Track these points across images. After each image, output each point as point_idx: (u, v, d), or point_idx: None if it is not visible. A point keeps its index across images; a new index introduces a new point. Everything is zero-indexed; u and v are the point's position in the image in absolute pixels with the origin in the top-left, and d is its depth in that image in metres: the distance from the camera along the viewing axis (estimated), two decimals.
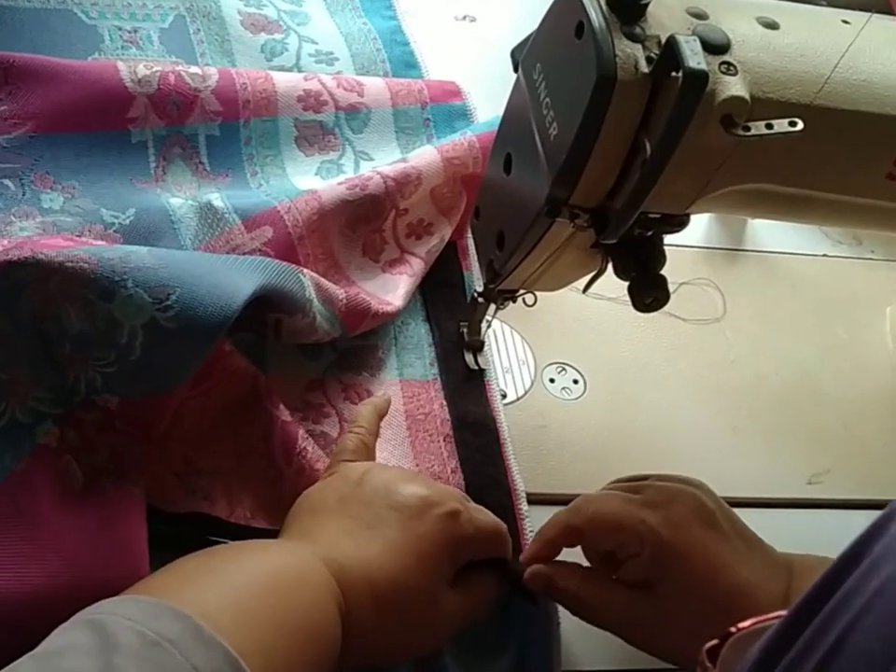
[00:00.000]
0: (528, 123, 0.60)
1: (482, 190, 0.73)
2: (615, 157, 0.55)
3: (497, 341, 0.84)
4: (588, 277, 0.67)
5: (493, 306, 0.75)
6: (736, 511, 0.78)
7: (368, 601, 0.57)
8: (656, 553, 0.62)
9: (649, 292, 0.61)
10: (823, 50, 0.57)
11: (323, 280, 0.72)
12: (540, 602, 0.67)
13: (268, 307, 0.67)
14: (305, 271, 0.70)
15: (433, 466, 0.73)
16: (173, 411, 0.63)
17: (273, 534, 0.66)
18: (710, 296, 0.93)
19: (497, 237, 0.67)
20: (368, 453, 0.68)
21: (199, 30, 0.92)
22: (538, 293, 0.74)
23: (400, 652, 0.61)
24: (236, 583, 0.51)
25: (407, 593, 0.58)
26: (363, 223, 0.80)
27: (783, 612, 0.49)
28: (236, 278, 0.63)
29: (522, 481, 0.74)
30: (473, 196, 0.77)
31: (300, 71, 0.93)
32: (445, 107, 0.92)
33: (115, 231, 0.73)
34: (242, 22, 0.95)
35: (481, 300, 0.75)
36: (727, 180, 0.58)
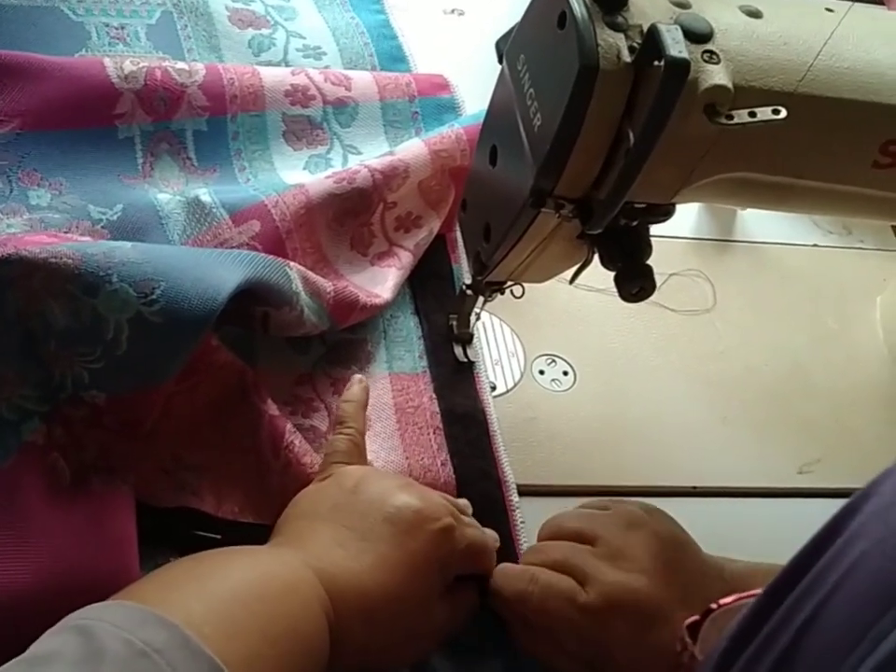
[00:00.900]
0: (513, 115, 0.60)
1: (468, 183, 0.73)
2: (599, 147, 0.55)
3: (486, 333, 0.84)
4: (575, 268, 0.68)
5: (481, 298, 0.75)
6: (727, 500, 0.79)
7: (358, 612, 0.57)
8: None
9: (635, 282, 0.61)
10: (806, 39, 0.57)
11: (310, 273, 0.72)
12: None
13: (255, 300, 0.67)
14: (292, 264, 0.70)
15: (423, 458, 0.73)
16: (160, 406, 0.63)
17: (260, 528, 0.66)
18: (700, 287, 0.93)
19: (483, 229, 0.67)
20: (359, 453, 0.68)
21: (186, 26, 0.92)
22: (526, 285, 0.74)
23: (390, 661, 0.61)
24: (222, 591, 0.51)
25: (398, 605, 0.59)
26: (351, 217, 0.80)
27: (757, 591, 0.50)
28: (221, 271, 0.62)
29: (512, 472, 0.74)
30: (461, 188, 0.77)
31: (287, 66, 0.92)
32: (433, 101, 0.91)
33: (102, 227, 0.73)
34: (229, 18, 0.94)
35: (469, 292, 0.75)
36: (711, 169, 0.58)
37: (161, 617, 0.46)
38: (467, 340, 0.80)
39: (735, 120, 0.53)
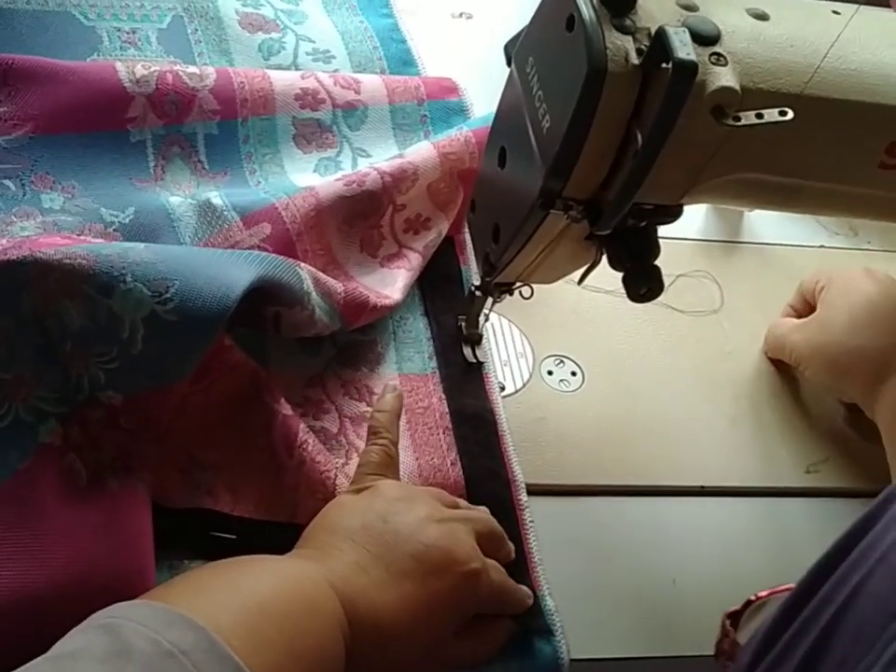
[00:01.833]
0: (521, 117, 0.61)
1: (477, 184, 0.73)
2: (607, 148, 0.56)
3: (495, 334, 0.84)
4: (583, 269, 0.68)
5: (490, 299, 0.76)
6: (735, 500, 0.79)
7: (372, 642, 0.57)
8: None
9: (643, 283, 0.62)
10: (813, 41, 0.58)
11: (321, 274, 0.72)
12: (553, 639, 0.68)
13: (266, 300, 0.68)
14: (303, 264, 0.70)
15: (433, 459, 0.74)
16: (175, 407, 0.64)
17: (275, 527, 0.67)
18: (708, 288, 0.93)
19: (492, 230, 0.67)
20: (393, 465, 0.69)
21: (196, 30, 0.93)
22: (534, 286, 0.75)
23: None
24: (250, 603, 0.51)
25: (412, 641, 0.59)
26: (361, 219, 0.80)
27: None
28: (234, 270, 0.63)
29: (521, 472, 0.74)
30: (470, 191, 0.78)
31: (297, 69, 0.93)
32: (442, 104, 0.92)
33: (115, 230, 0.74)
34: (239, 22, 0.95)
35: (478, 293, 0.75)
36: (719, 170, 0.58)
37: (189, 619, 0.46)
38: (476, 341, 0.80)
39: (743, 122, 0.53)
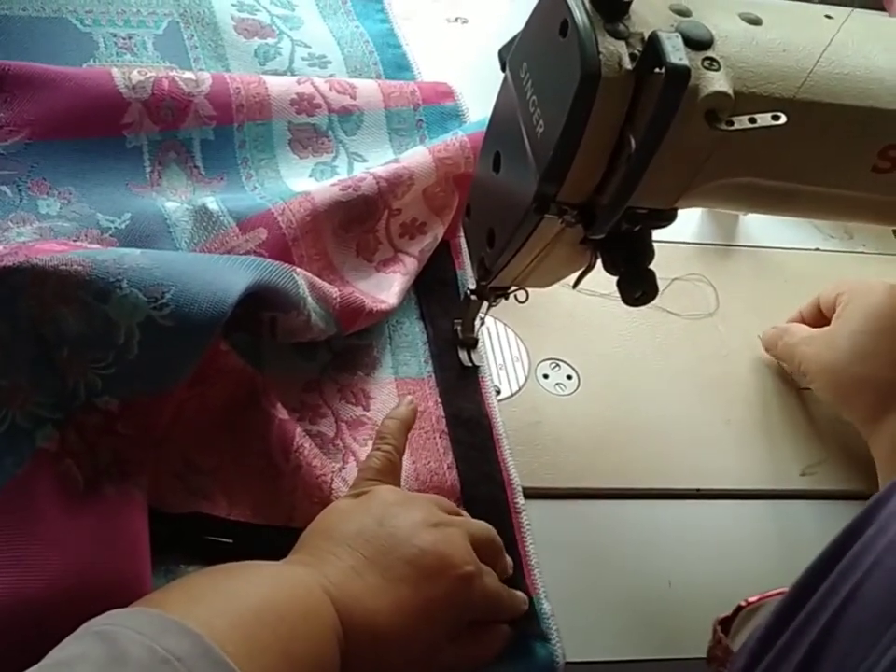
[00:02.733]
0: (516, 122, 0.61)
1: (472, 189, 0.73)
2: (601, 153, 0.56)
3: (490, 338, 0.84)
4: (578, 273, 0.68)
5: (486, 303, 0.76)
6: (730, 503, 0.79)
7: (367, 648, 0.57)
8: None
9: (637, 286, 0.62)
10: (806, 45, 0.58)
11: (316, 279, 0.73)
12: (549, 642, 0.68)
13: (262, 305, 0.68)
14: (298, 270, 0.70)
15: (429, 462, 0.74)
16: (172, 412, 0.64)
17: (272, 531, 0.67)
18: (703, 291, 0.93)
19: (487, 235, 0.67)
20: (394, 472, 0.69)
21: (192, 35, 0.93)
22: (529, 290, 0.75)
23: None
24: (244, 608, 0.51)
25: (407, 646, 0.59)
26: (357, 224, 0.81)
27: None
28: (229, 275, 0.63)
29: (518, 475, 0.75)
30: (465, 195, 0.78)
31: (293, 75, 0.93)
32: (437, 108, 0.92)
33: (111, 236, 0.74)
34: (235, 28, 0.95)
35: (473, 297, 0.75)
36: (712, 175, 0.59)
37: (184, 625, 0.47)
38: (471, 344, 0.81)
39: (736, 126, 0.54)
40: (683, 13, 0.57)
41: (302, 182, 0.84)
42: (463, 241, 0.86)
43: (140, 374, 0.60)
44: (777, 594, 0.63)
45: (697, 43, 0.55)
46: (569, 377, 0.84)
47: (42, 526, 0.56)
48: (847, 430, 0.83)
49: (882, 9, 0.93)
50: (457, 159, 0.84)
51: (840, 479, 0.83)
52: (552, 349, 0.85)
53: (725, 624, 0.64)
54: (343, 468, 0.72)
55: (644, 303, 0.62)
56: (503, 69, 0.64)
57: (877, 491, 0.52)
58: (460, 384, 0.79)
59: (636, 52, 0.53)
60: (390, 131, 0.90)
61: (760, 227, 1.01)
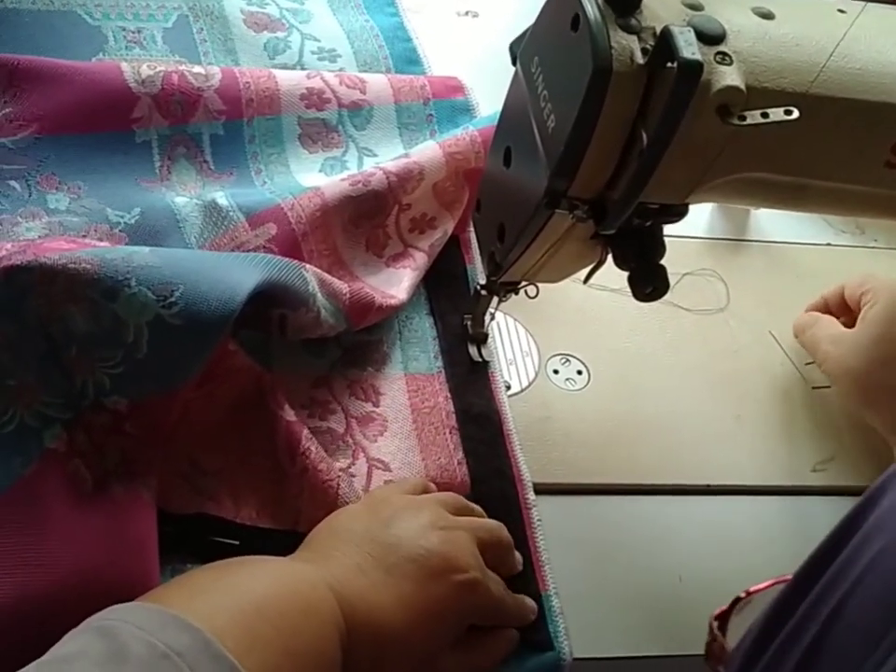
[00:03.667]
0: (527, 116, 0.61)
1: (483, 184, 0.73)
2: (612, 148, 0.56)
3: (500, 333, 0.84)
4: (589, 268, 0.68)
5: (496, 298, 0.76)
6: (740, 499, 0.79)
7: (368, 646, 0.57)
8: None
9: (648, 282, 0.62)
10: (819, 39, 0.58)
11: (326, 275, 0.72)
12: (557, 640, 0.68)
13: (272, 303, 0.68)
14: (308, 266, 0.70)
15: (439, 458, 0.74)
16: (179, 412, 0.64)
17: (278, 533, 0.67)
18: (714, 286, 0.93)
19: (497, 230, 0.67)
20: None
21: (202, 29, 0.93)
22: (540, 285, 0.74)
23: None
24: (245, 603, 0.51)
25: (407, 648, 0.59)
26: (366, 219, 0.80)
27: (787, 577, 0.51)
28: (238, 274, 0.63)
29: (528, 471, 0.74)
30: (475, 190, 0.78)
31: (302, 69, 0.93)
32: (448, 103, 0.92)
33: (120, 231, 0.74)
34: (244, 21, 0.95)
35: (484, 292, 0.75)
36: (724, 170, 0.58)
37: (184, 620, 0.47)
38: (481, 340, 0.80)
39: (748, 121, 0.53)
40: (695, 7, 0.56)
41: (312, 177, 0.84)
42: (473, 236, 0.86)
43: (149, 373, 0.60)
44: (773, 583, 0.62)
45: (710, 37, 0.54)
46: (580, 372, 0.84)
47: (50, 526, 0.56)
48: (859, 426, 0.83)
49: (894, 4, 0.92)
50: (467, 153, 0.83)
51: (852, 474, 0.82)
52: (562, 344, 0.85)
53: (722, 620, 0.64)
54: (353, 464, 0.72)
55: (655, 299, 0.62)
56: (514, 63, 0.64)
57: None
58: (470, 379, 0.79)
59: (648, 47, 0.53)
60: (400, 125, 0.90)
61: (771, 222, 1.00)
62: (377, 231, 0.82)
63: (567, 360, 0.84)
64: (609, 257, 0.64)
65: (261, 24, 0.96)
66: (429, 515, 0.64)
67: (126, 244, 0.73)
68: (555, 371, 0.83)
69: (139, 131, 0.80)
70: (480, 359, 0.80)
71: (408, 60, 0.99)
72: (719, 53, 0.54)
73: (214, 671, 0.45)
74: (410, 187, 0.81)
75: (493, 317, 0.79)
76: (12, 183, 0.74)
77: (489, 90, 0.90)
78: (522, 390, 0.81)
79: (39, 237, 0.71)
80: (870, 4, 0.60)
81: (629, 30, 0.53)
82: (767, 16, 0.58)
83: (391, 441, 0.74)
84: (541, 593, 0.69)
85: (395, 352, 0.80)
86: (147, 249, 0.62)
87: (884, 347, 0.77)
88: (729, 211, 1.00)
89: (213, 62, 0.91)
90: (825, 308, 0.87)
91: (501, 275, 0.70)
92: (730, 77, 0.54)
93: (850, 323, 0.82)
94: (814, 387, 0.87)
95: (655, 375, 0.85)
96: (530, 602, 0.68)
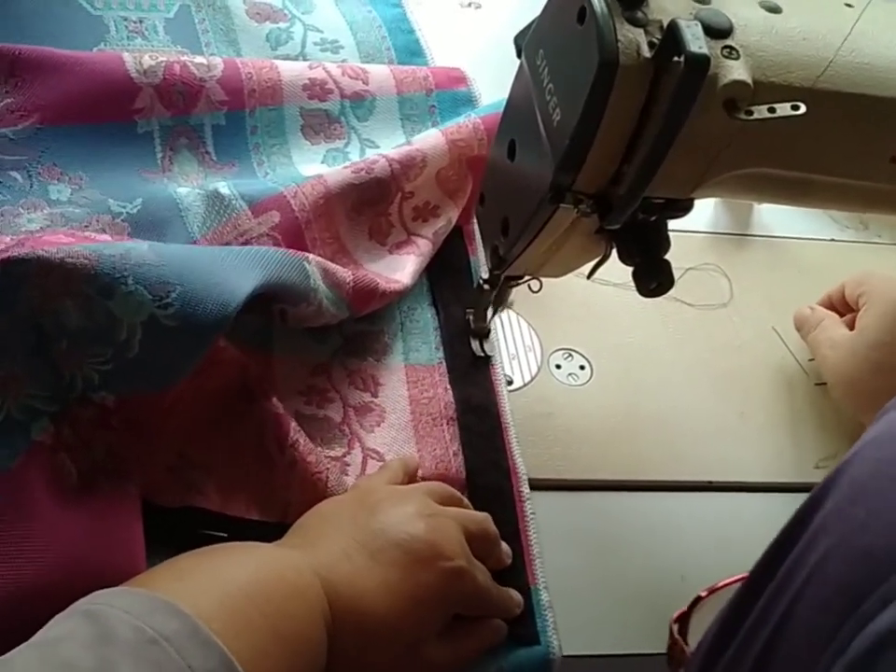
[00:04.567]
0: (531, 109, 0.60)
1: (486, 177, 0.73)
2: (618, 142, 0.55)
3: (503, 327, 0.84)
4: (593, 263, 0.68)
5: (504, 296, 0.75)
6: (743, 495, 0.79)
7: (353, 632, 0.57)
8: None
9: (653, 277, 0.61)
10: (826, 34, 0.57)
11: (330, 264, 0.72)
12: (545, 635, 0.67)
13: (272, 299, 0.68)
14: (311, 257, 0.70)
15: (435, 449, 0.74)
16: (167, 407, 0.63)
17: (266, 526, 0.67)
18: (717, 281, 0.93)
19: (501, 223, 0.67)
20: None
21: (204, 20, 0.93)
22: (543, 279, 0.74)
23: None
24: (231, 587, 0.51)
25: (392, 634, 0.58)
26: (369, 206, 0.80)
27: (743, 575, 0.51)
28: (237, 275, 0.63)
29: (527, 466, 0.74)
30: (479, 178, 0.77)
31: (305, 59, 0.93)
32: (450, 94, 0.91)
33: (122, 221, 0.74)
34: (247, 12, 0.95)
35: (486, 286, 0.75)
36: (730, 164, 0.58)
37: (172, 605, 0.47)
38: (484, 334, 0.80)
39: (755, 116, 0.53)
40: (702, 1, 0.56)
41: (314, 168, 0.83)
42: (476, 227, 0.85)
43: (138, 373, 0.59)
44: (729, 583, 0.62)
45: (717, 31, 0.54)
46: (582, 367, 0.83)
47: (36, 520, 0.56)
48: (862, 423, 0.82)
49: None
50: (470, 141, 0.83)
51: None
52: (565, 339, 0.85)
53: (682, 621, 0.64)
54: (348, 453, 0.72)
55: (660, 294, 0.62)
56: (519, 56, 0.64)
57: None
58: (470, 371, 0.79)
59: (654, 40, 0.52)
60: (402, 116, 0.89)
61: (775, 217, 1.00)
62: (380, 220, 0.82)
63: (570, 355, 0.84)
64: (614, 251, 0.64)
65: (263, 15, 0.95)
66: (416, 504, 0.64)
67: (128, 233, 0.73)
68: (558, 367, 0.83)
69: (141, 121, 0.79)
70: (482, 354, 0.79)
71: (411, 51, 0.99)
72: (726, 47, 0.54)
73: (202, 657, 0.45)
74: (412, 174, 0.81)
75: (496, 312, 0.79)
76: (13, 174, 0.74)
77: (492, 81, 0.90)
78: (524, 385, 0.81)
79: (41, 228, 0.71)
80: None
81: (636, 23, 0.53)
82: (774, 10, 0.58)
83: (388, 432, 0.74)
84: (531, 586, 0.69)
85: (396, 342, 0.80)
86: (145, 245, 0.61)
87: (876, 354, 0.77)
88: (732, 206, 0.99)
89: (215, 52, 0.90)
90: (830, 305, 0.86)
91: (505, 269, 0.70)
92: (737, 71, 0.53)
93: (853, 321, 0.82)
94: (817, 383, 0.86)
95: (658, 371, 0.85)
96: (516, 595, 0.67)
